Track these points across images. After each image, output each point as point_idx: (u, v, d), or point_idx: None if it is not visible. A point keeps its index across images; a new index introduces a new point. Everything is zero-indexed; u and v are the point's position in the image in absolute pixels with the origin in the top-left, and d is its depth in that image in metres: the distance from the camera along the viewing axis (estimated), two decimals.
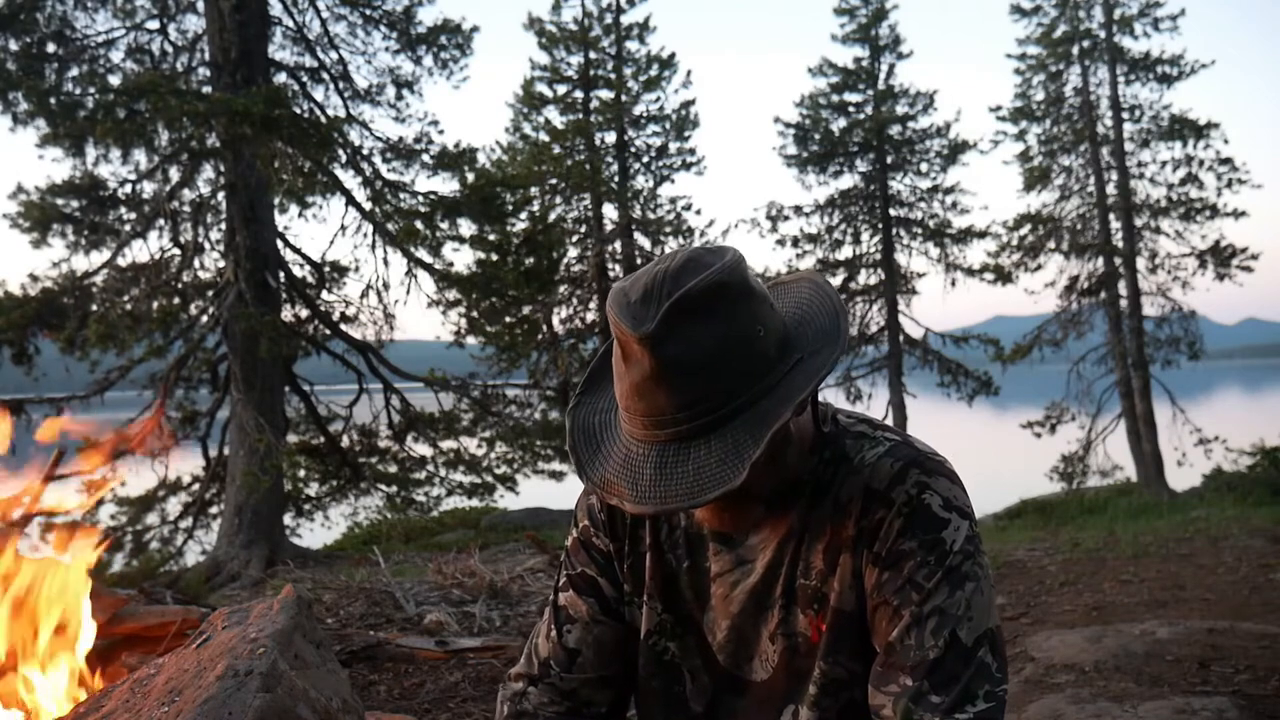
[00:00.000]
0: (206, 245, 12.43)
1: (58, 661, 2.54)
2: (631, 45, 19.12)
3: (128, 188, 12.30)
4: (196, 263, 12.42)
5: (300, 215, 13.30)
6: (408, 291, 13.03)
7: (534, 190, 17.31)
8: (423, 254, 12.63)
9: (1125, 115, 18.25)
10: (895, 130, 19.61)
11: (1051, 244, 18.84)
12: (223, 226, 12.31)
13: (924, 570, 1.13)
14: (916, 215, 19.89)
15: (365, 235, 12.72)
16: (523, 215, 14.07)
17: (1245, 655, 4.13)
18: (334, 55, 13.43)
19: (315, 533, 13.98)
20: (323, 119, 12.33)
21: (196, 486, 12.89)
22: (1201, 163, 17.74)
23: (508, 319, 14.22)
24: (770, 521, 1.23)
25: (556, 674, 1.37)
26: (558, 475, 14.01)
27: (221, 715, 1.78)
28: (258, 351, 11.18)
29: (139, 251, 12.10)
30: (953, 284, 19.54)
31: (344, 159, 12.27)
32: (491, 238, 13.08)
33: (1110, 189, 18.37)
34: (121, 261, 12.04)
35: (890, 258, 19.52)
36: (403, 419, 13.50)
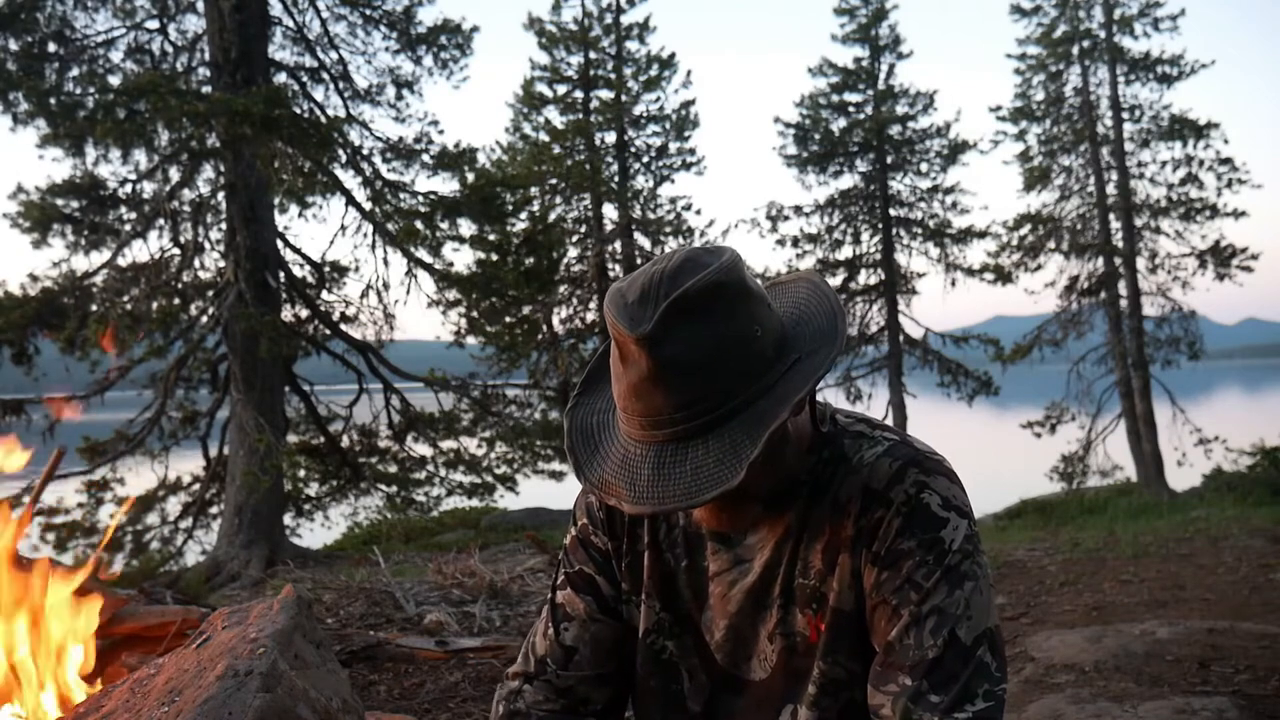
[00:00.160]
0: (206, 245, 12.44)
1: (58, 663, 2.54)
2: (631, 45, 19.14)
3: (128, 188, 12.30)
4: (196, 263, 12.43)
5: (300, 215, 13.31)
6: (408, 291, 13.04)
7: (534, 190, 17.31)
8: (423, 254, 12.63)
9: (1125, 115, 18.25)
10: (895, 130, 19.61)
11: (1051, 244, 18.84)
12: (223, 226, 12.31)
13: (923, 569, 1.13)
14: (916, 215, 19.89)
15: (365, 235, 12.73)
16: (523, 215, 14.07)
17: (1245, 655, 4.13)
18: (334, 55, 13.44)
19: (315, 533, 13.98)
20: (323, 119, 12.33)
21: (196, 486, 12.89)
22: (1201, 163, 17.74)
23: (508, 319, 14.22)
24: (768, 521, 1.23)
25: (553, 671, 1.37)
26: (558, 475, 14.01)
27: (221, 715, 1.78)
28: (258, 351, 11.18)
29: (139, 251, 12.12)
30: (953, 284, 19.56)
31: (344, 159, 12.27)
32: (491, 238, 13.08)
33: (1110, 189, 18.37)
34: (121, 261, 12.04)
35: (890, 258, 19.52)
36: (403, 419, 13.50)
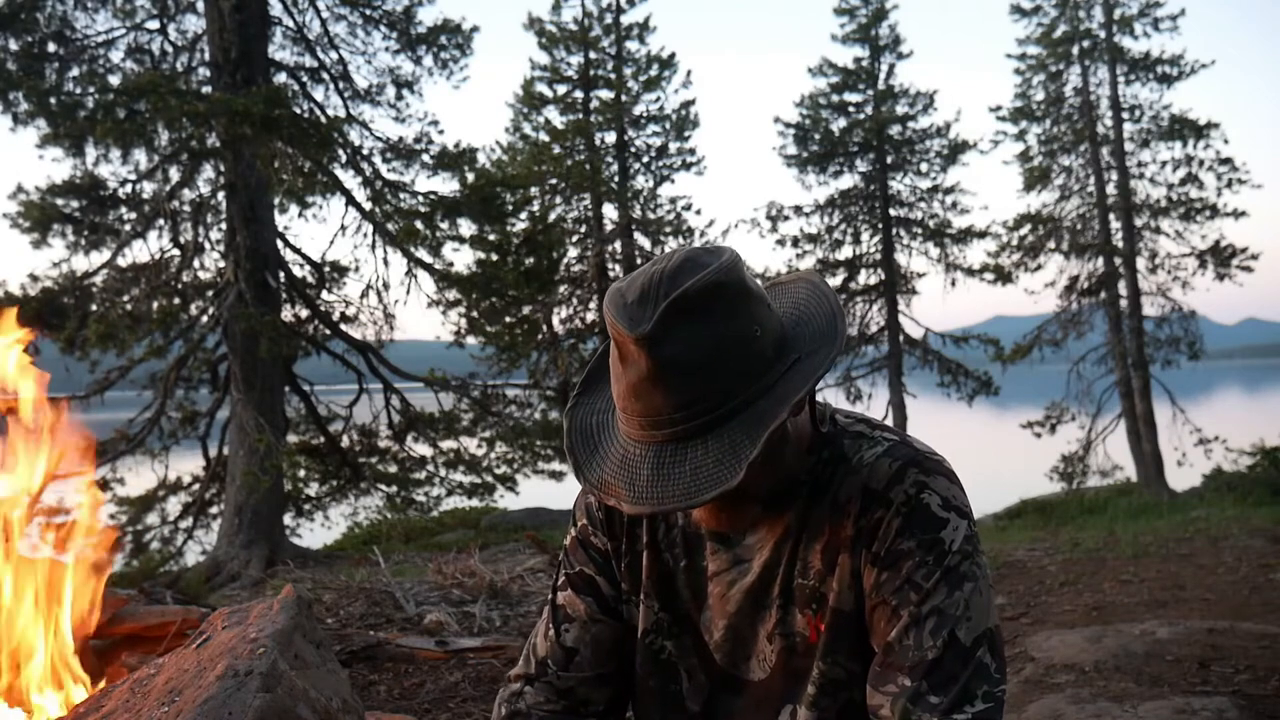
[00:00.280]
0: (206, 245, 12.44)
1: (57, 662, 2.55)
2: (631, 45, 19.14)
3: (128, 188, 12.30)
4: (196, 263, 12.43)
5: (300, 215, 13.31)
6: (408, 291, 13.04)
7: (534, 190, 17.31)
8: (423, 254, 12.63)
9: (1125, 115, 18.25)
10: (895, 130, 19.61)
11: (1051, 244, 18.84)
12: (223, 226, 12.31)
13: (922, 570, 1.13)
14: (916, 215, 19.89)
15: (365, 235, 12.73)
16: (523, 215, 14.07)
17: (1245, 655, 4.13)
18: (334, 55, 13.44)
19: (315, 533, 13.98)
20: (323, 119, 12.33)
21: (196, 486, 12.89)
22: (1201, 163, 17.74)
23: (508, 319, 14.21)
24: (767, 521, 1.23)
25: (554, 672, 1.37)
26: (558, 475, 14.01)
27: (221, 715, 1.78)
28: (258, 351, 11.18)
29: (139, 251, 12.12)
30: (953, 284, 19.56)
31: (344, 159, 12.27)
32: (491, 238, 13.08)
33: (1110, 189, 18.37)
34: (121, 261, 12.05)
35: (890, 258, 19.52)
36: (403, 419, 13.50)
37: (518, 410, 14.12)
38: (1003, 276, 19.00)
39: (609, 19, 18.95)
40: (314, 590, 5.87)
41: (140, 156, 12.05)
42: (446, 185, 12.95)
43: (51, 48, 12.01)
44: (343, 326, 13.14)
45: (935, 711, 1.08)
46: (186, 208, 12.35)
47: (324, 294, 13.30)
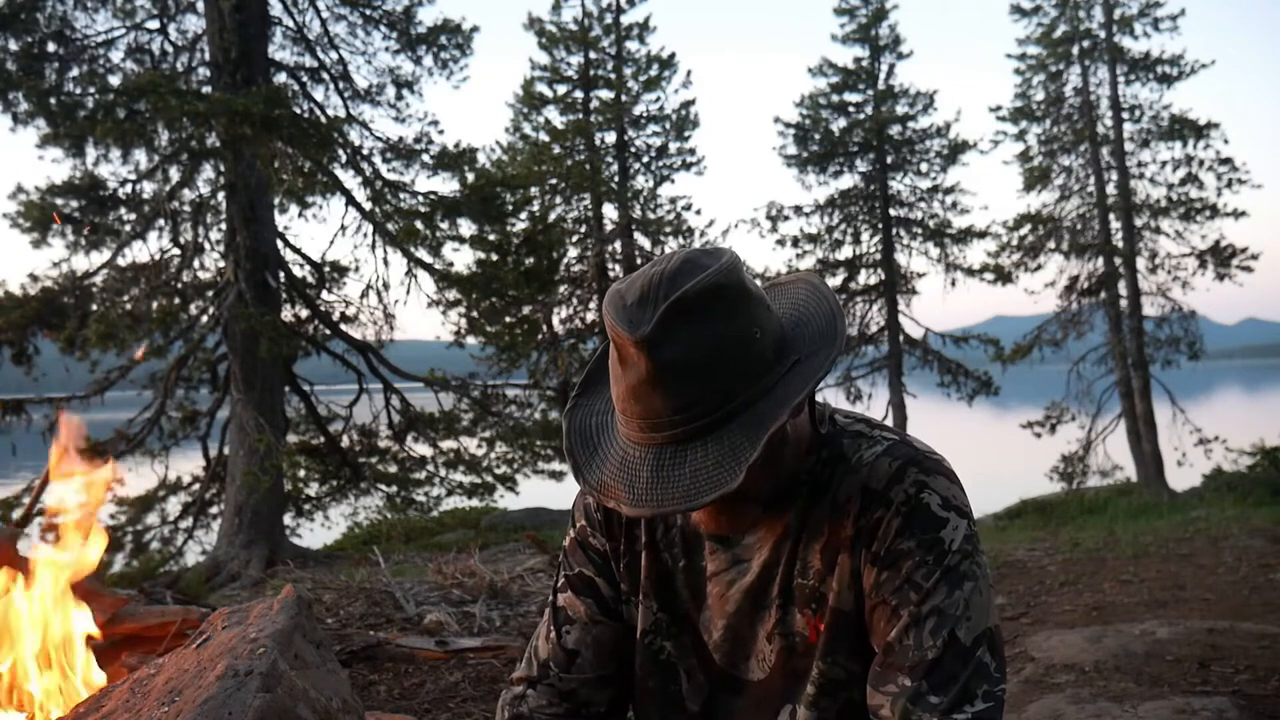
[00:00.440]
0: (206, 245, 12.44)
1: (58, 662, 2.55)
2: (631, 45, 19.13)
3: (128, 188, 12.30)
4: (196, 263, 12.43)
5: (300, 215, 13.30)
6: (408, 291, 13.04)
7: (534, 190, 17.31)
8: (423, 254, 12.63)
9: (1125, 115, 18.25)
10: (895, 130, 19.60)
11: (1051, 244, 18.84)
12: (223, 226, 12.31)
13: (922, 570, 1.13)
14: (916, 215, 19.89)
15: (365, 235, 12.73)
16: (523, 215, 14.07)
17: (1245, 655, 4.13)
18: (334, 55, 13.43)
19: (315, 533, 13.98)
20: (323, 119, 12.33)
21: (196, 486, 12.89)
22: (1201, 163, 17.74)
23: (508, 319, 14.21)
24: (766, 521, 1.23)
25: (555, 674, 1.37)
26: (558, 475, 14.01)
27: (221, 715, 1.78)
28: (258, 351, 11.18)
29: (139, 251, 12.12)
30: (953, 284, 19.54)
31: (344, 159, 12.27)
32: (491, 238, 13.07)
33: (1110, 189, 18.36)
34: (121, 261, 12.04)
35: (890, 258, 19.52)
36: (403, 419, 13.50)
37: (518, 410, 14.12)
38: (1003, 276, 19.00)
39: (609, 19, 18.95)
40: (314, 590, 5.87)
41: (140, 156, 12.06)
42: (446, 185, 12.97)
43: (51, 48, 12.01)
44: (343, 326, 13.14)
45: (935, 711, 1.08)
46: (186, 208, 12.35)
47: (324, 294, 13.30)
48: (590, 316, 18.62)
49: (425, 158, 12.94)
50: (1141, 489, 16.80)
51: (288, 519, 12.89)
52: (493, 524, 14.02)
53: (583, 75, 18.98)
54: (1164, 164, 18.02)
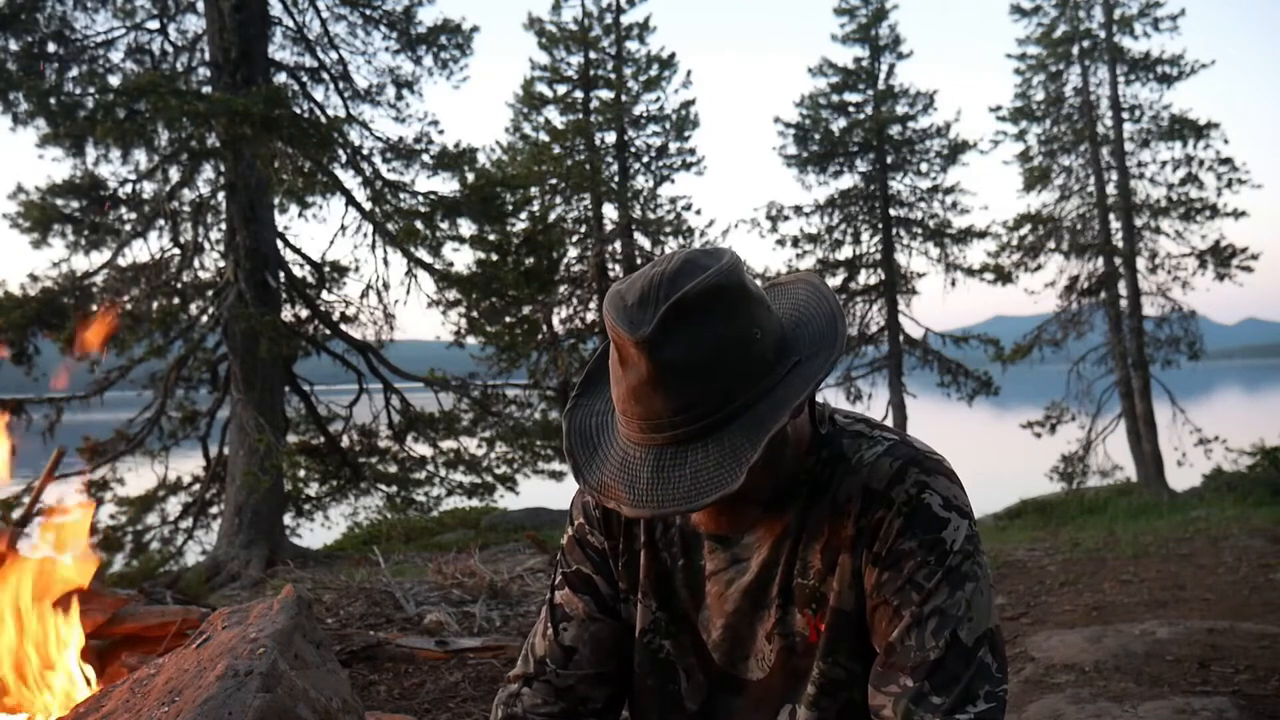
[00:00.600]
0: (206, 245, 12.44)
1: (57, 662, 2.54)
2: (631, 45, 19.14)
3: (128, 188, 12.30)
4: (196, 263, 12.43)
5: (300, 215, 13.31)
6: (408, 291, 13.04)
7: (534, 190, 17.31)
8: (423, 254, 12.63)
9: (1125, 115, 18.25)
10: (895, 130, 19.61)
11: (1051, 244, 18.84)
12: (223, 226, 12.31)
13: (924, 570, 1.13)
14: (916, 215, 19.89)
15: (365, 235, 12.73)
16: (523, 215, 14.07)
17: (1245, 655, 4.13)
18: (334, 55, 13.44)
19: (315, 533, 13.98)
20: (323, 119, 12.33)
21: (196, 486, 12.89)
22: (1201, 163, 17.74)
23: (508, 319, 14.21)
24: (765, 521, 1.23)
25: (552, 671, 1.36)
26: (558, 475, 14.01)
27: (221, 715, 1.78)
28: (258, 351, 11.18)
29: (139, 251, 12.12)
30: (953, 284, 19.56)
31: (344, 159, 12.27)
32: (491, 238, 13.07)
33: (1110, 189, 18.37)
34: (121, 261, 12.04)
35: (890, 258, 19.52)
36: (403, 419, 13.50)
37: (518, 410, 14.12)
38: (1003, 276, 19.00)
39: (609, 19, 18.95)
40: (314, 590, 5.87)
41: (140, 156, 12.06)
42: (446, 185, 12.97)
43: (51, 48, 12.01)
44: (343, 326, 13.14)
45: (937, 712, 1.08)
46: (186, 208, 12.35)
47: (324, 294, 13.30)
48: (590, 316, 18.62)
49: (425, 158, 12.94)
50: (1141, 489, 16.80)
51: (288, 519, 12.89)
52: (493, 524, 14.02)
53: (583, 75, 18.98)
54: (1164, 164, 18.04)
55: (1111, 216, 18.26)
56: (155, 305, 11.96)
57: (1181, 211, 17.79)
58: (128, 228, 12.19)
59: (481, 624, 4.94)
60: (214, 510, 12.84)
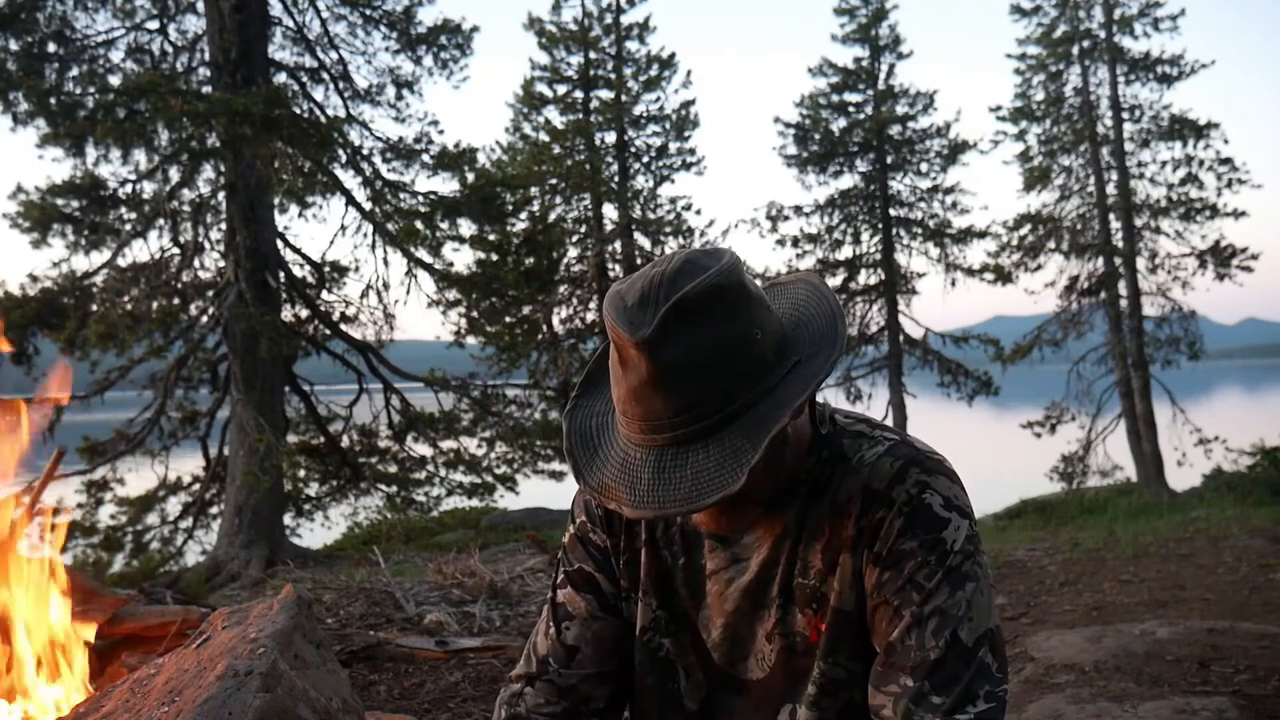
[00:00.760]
0: (206, 245, 12.44)
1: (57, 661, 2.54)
2: (631, 45, 19.14)
3: (128, 188, 12.31)
4: (196, 263, 12.44)
5: (300, 215, 13.30)
6: (408, 291, 13.04)
7: (534, 190, 17.31)
8: (423, 254, 12.63)
9: (1125, 115, 18.25)
10: (895, 130, 19.61)
11: (1051, 244, 18.85)
12: (223, 226, 12.31)
13: (925, 570, 1.13)
14: (916, 215, 19.90)
15: (365, 235, 12.73)
16: (523, 215, 14.07)
17: (1245, 655, 4.13)
18: (334, 55, 13.44)
19: (315, 533, 13.98)
20: (323, 119, 12.33)
21: (196, 486, 12.89)
22: (1201, 163, 17.75)
23: (508, 319, 14.21)
24: (765, 521, 1.23)
25: (555, 670, 1.36)
26: (558, 475, 14.01)
27: (221, 715, 1.78)
28: (258, 351, 11.18)
29: (139, 251, 12.13)
30: (953, 284, 19.56)
31: (344, 159, 12.27)
32: (491, 238, 13.07)
33: (1110, 189, 18.37)
34: (121, 261, 12.05)
35: (890, 258, 19.53)
36: (403, 419, 13.50)
37: (518, 410, 14.12)
38: (1003, 276, 19.01)
39: (609, 19, 18.95)
40: (314, 590, 5.87)
41: (140, 156, 12.06)
42: (446, 185, 12.97)
43: (51, 48, 12.01)
44: (343, 326, 13.14)
45: (938, 712, 1.08)
46: (186, 208, 12.36)
47: (324, 294, 13.30)
48: (590, 316, 18.62)
49: (425, 158, 12.94)
50: (1141, 489, 16.80)
51: (288, 519, 12.89)
52: (493, 524, 14.02)
53: (583, 75, 18.99)
54: (1164, 164, 18.05)
55: (1111, 216, 18.27)
56: (155, 305, 11.96)
57: (1181, 211, 17.79)
58: (128, 228, 12.20)
59: (481, 624, 4.94)
60: (214, 510, 12.84)
